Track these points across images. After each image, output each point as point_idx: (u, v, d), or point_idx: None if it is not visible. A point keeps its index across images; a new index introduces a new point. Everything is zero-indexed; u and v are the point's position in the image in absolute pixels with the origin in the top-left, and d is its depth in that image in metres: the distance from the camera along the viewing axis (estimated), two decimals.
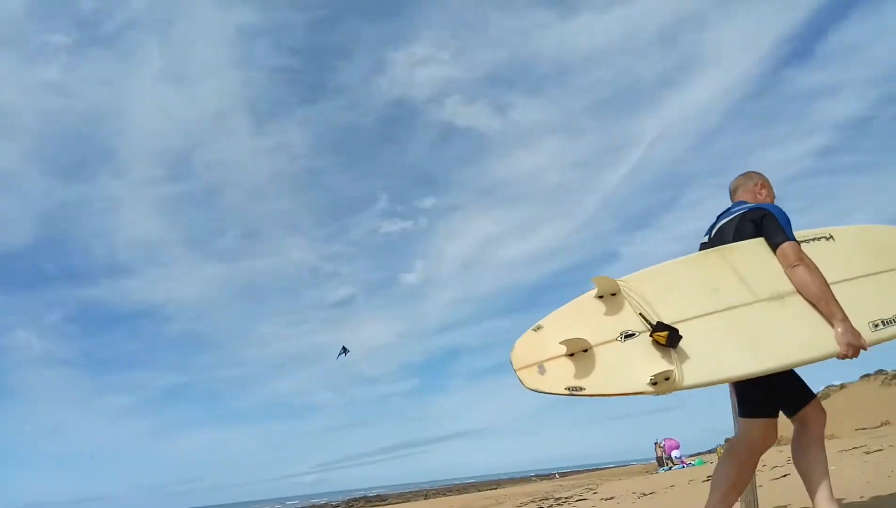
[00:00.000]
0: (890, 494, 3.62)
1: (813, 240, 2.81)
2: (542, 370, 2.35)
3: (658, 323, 2.37)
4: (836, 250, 2.80)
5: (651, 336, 2.37)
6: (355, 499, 42.63)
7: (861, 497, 3.66)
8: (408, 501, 33.89)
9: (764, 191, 3.05)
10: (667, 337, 2.32)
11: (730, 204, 3.11)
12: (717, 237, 2.92)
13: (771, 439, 2.69)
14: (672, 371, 2.29)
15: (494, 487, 41.14)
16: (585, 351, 2.37)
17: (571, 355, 2.37)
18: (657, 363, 2.33)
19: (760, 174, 3.13)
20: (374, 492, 52.75)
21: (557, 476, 50.27)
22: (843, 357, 2.48)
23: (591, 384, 2.31)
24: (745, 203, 2.98)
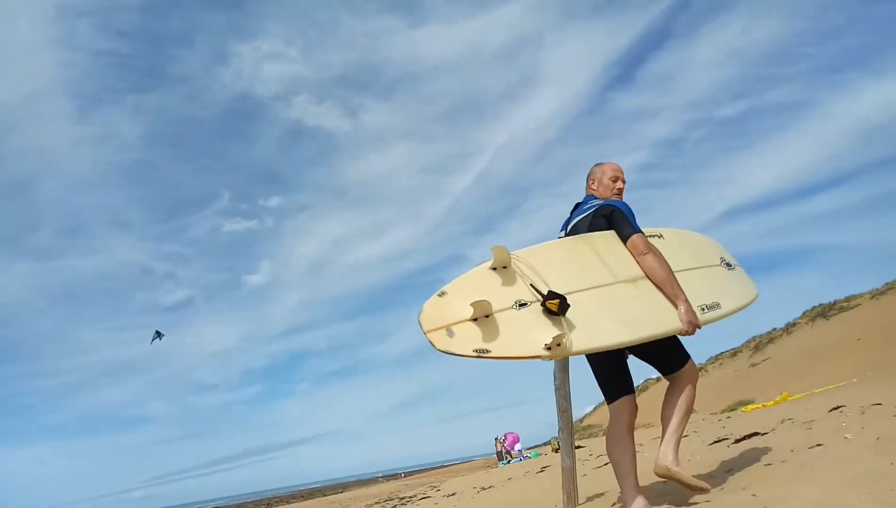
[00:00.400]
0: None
1: (649, 236, 3.16)
2: (450, 333, 2.52)
3: (549, 292, 2.61)
4: (666, 247, 3.17)
5: (542, 305, 2.60)
6: None
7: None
8: None
9: (619, 184, 3.34)
10: (558, 305, 2.56)
11: (583, 194, 3.40)
12: (573, 232, 3.18)
13: (635, 412, 3.07)
14: (564, 336, 2.53)
15: (340, 491, 40.65)
16: (487, 316, 2.57)
17: (475, 320, 2.56)
18: (549, 330, 2.59)
19: (613, 165, 3.39)
20: (212, 504, 49.78)
21: (403, 475, 50.80)
22: (684, 333, 2.87)
23: (495, 347, 2.52)
24: (595, 197, 3.26)
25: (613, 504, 3.80)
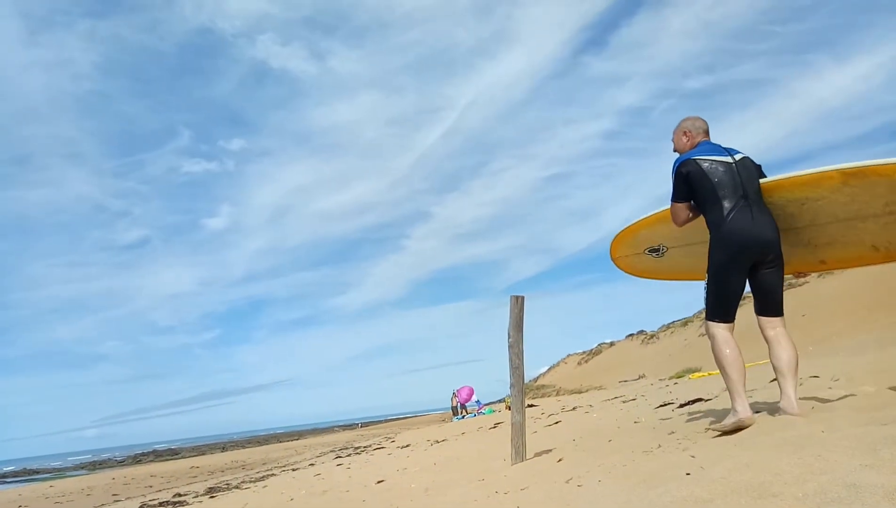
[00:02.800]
0: (628, 433, 4.22)
1: None
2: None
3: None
4: None
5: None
6: (144, 454, 40.06)
7: (609, 441, 4.23)
8: (203, 454, 32.63)
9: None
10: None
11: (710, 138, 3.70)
12: (742, 163, 3.48)
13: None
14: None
15: (296, 438, 41.09)
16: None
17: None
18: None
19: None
20: (166, 446, 49.85)
21: (360, 426, 51.58)
22: None
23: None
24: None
25: (559, 460, 3.94)
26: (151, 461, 32.96)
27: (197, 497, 9.20)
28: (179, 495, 10.21)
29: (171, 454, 37.18)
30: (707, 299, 3.47)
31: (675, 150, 3.76)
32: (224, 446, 40.01)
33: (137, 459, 35.66)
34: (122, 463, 34.72)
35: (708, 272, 3.44)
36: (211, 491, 9.53)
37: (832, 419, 2.98)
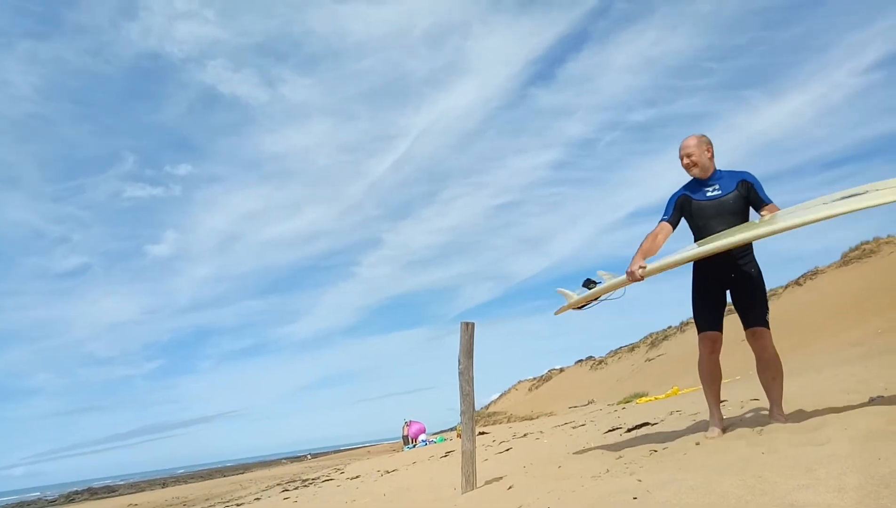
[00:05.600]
0: (577, 459, 4.24)
1: None
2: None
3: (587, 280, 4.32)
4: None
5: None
6: (77, 492, 37.92)
7: (559, 467, 4.23)
8: (142, 491, 31.14)
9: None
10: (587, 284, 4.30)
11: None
12: None
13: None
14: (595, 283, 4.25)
15: (242, 472, 39.70)
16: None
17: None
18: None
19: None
20: (103, 483, 47.39)
21: (309, 457, 50.22)
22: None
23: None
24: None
25: (510, 488, 3.91)
26: (86, 499, 31.16)
27: None
28: None
29: (108, 491, 35.29)
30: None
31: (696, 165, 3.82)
32: (165, 482, 38.30)
33: (70, 498, 33.69)
34: (53, 503, 32.68)
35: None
36: None
37: (772, 440, 3.06)
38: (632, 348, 28.86)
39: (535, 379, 36.52)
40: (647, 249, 3.76)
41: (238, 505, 10.46)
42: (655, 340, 26.60)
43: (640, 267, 3.65)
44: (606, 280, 4.19)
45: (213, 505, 12.81)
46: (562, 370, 34.60)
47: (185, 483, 34.22)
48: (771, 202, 3.63)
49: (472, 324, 4.59)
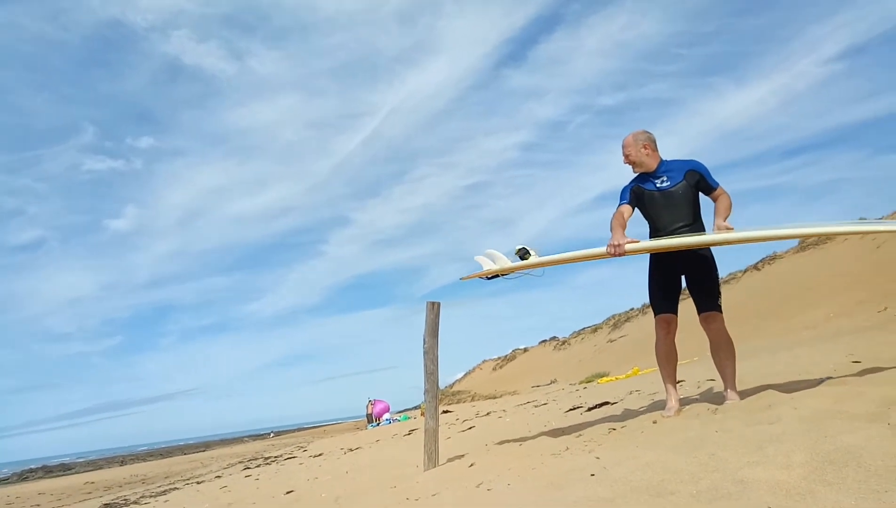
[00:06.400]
0: (539, 437, 4.32)
1: None
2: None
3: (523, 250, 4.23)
4: None
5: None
6: (32, 470, 37.08)
7: (520, 445, 4.30)
8: (99, 469, 30.64)
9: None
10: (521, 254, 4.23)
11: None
12: None
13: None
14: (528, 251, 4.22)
15: (203, 450, 39.36)
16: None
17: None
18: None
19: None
20: (58, 461, 46.42)
21: (272, 435, 50.06)
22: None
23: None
24: None
25: (471, 465, 3.96)
26: (40, 477, 30.48)
27: None
28: None
29: (64, 469, 34.62)
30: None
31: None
32: (123, 459, 37.75)
33: (24, 476, 32.91)
34: (5, 481, 31.92)
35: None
36: None
37: (726, 419, 3.16)
38: (595, 329, 29.33)
39: (499, 358, 36.91)
40: (623, 226, 3.84)
41: (198, 483, 10.38)
42: (618, 322, 27.09)
43: (629, 241, 3.71)
44: (534, 256, 4.20)
45: (173, 483, 12.68)
46: (526, 350, 35.01)
47: (144, 460, 33.80)
48: (719, 186, 3.80)
49: (438, 304, 4.60)
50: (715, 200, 3.80)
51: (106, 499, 11.31)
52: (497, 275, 4.39)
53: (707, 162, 3.85)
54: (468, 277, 4.52)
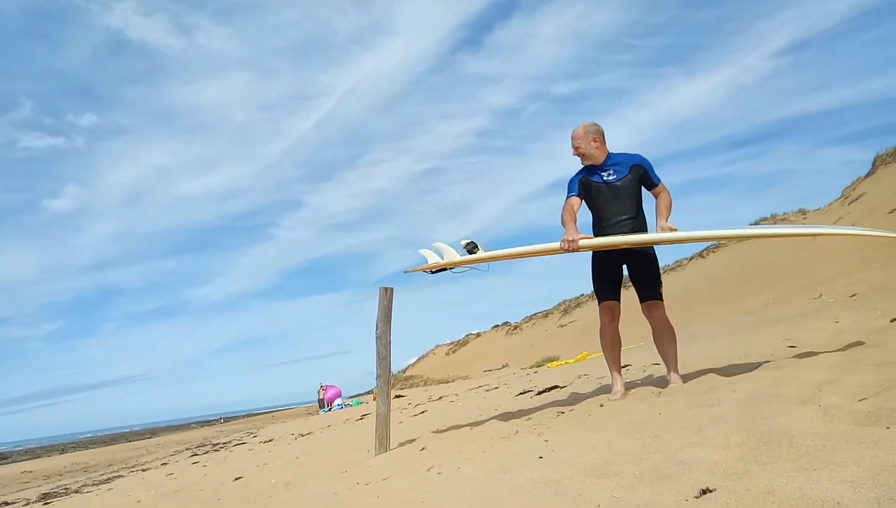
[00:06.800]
0: (489, 421, 4.38)
1: None
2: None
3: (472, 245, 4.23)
4: None
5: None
6: None
7: (471, 429, 4.35)
8: (38, 458, 29.59)
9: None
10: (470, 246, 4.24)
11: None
12: None
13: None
14: (476, 246, 4.22)
15: (148, 437, 38.45)
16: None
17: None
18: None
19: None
20: None
21: (222, 421, 49.27)
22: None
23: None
24: None
25: (423, 449, 3.99)
26: None
27: (28, 504, 8.32)
28: (6, 504, 9.17)
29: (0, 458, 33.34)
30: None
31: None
32: (63, 447, 36.54)
33: None
34: None
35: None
36: (45, 497, 8.65)
37: (669, 402, 3.26)
38: (546, 314, 29.83)
39: (452, 343, 37.16)
40: (574, 220, 3.89)
41: (144, 471, 10.14)
42: (568, 307, 27.62)
43: (583, 237, 3.78)
44: (481, 250, 4.22)
45: (117, 471, 12.35)
46: (478, 335, 35.34)
47: (87, 448, 32.81)
48: (661, 182, 3.92)
49: (391, 289, 4.58)
50: (656, 196, 3.92)
51: (45, 489, 10.92)
52: (443, 269, 4.36)
53: (656, 153, 4.01)
54: (413, 270, 4.48)
